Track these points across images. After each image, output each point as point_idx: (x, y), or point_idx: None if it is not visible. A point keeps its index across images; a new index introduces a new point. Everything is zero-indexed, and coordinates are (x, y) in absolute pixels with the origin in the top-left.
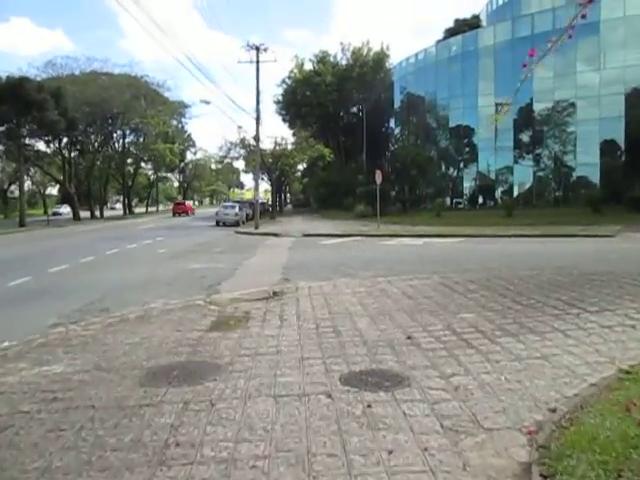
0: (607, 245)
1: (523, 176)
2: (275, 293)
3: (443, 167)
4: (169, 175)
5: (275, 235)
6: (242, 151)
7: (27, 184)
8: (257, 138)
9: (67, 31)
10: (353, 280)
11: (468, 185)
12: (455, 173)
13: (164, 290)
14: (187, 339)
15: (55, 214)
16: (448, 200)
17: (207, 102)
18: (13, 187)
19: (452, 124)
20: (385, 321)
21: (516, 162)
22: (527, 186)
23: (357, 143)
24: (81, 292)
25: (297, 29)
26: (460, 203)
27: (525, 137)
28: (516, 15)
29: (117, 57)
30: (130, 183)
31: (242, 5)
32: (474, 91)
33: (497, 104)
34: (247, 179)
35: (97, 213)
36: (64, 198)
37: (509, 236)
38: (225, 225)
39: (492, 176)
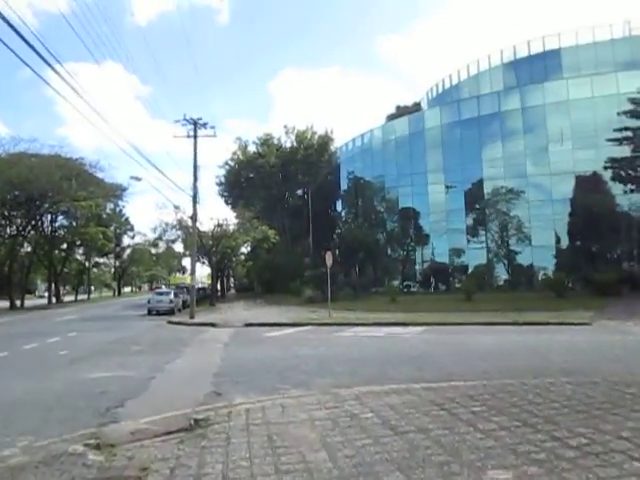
0: (593, 336)
1: (476, 258)
2: (197, 422)
3: (392, 250)
4: (104, 260)
5: (212, 325)
6: (180, 232)
7: None
8: (194, 217)
9: (4, 120)
10: (308, 395)
11: (419, 268)
12: (405, 255)
13: (38, 419)
14: None
15: None
16: (398, 283)
17: (138, 179)
18: None
19: (401, 205)
20: None
21: (468, 244)
22: (481, 269)
23: (303, 225)
24: None
25: (238, 118)
26: (412, 286)
27: (476, 219)
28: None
29: (53, 142)
30: (59, 269)
31: (182, 96)
32: (422, 172)
33: (447, 186)
34: (189, 263)
35: (18, 302)
36: None
37: (477, 324)
38: (159, 314)
39: (444, 259)
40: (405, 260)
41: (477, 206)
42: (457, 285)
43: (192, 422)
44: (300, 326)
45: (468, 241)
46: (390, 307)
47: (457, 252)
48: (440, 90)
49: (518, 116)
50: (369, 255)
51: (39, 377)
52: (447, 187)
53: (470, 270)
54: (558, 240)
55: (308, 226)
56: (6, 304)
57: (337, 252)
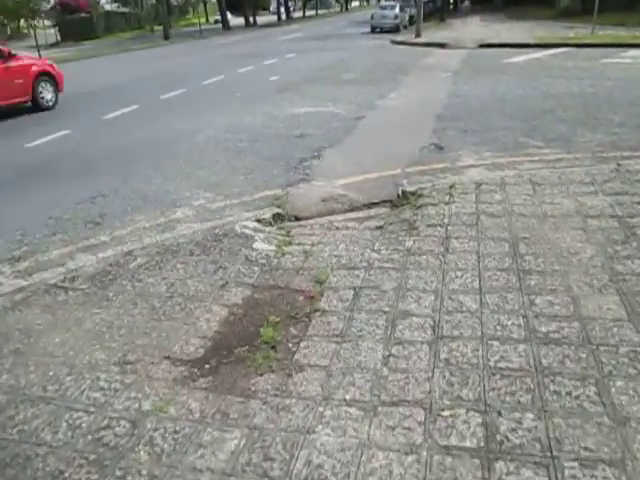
0: None
1: None
2: (406, 196)
3: None
4: None
5: (440, 46)
6: None
7: None
8: None
9: None
10: (572, 161)
11: None
12: None
13: (223, 169)
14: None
15: (217, 22)
16: None
17: None
18: None
19: None
20: None
21: None
22: None
23: None
24: (103, 166)
25: None
26: None
27: None
28: None
29: None
30: None
31: None
32: None
33: None
34: None
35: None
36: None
37: None
38: (382, 31)
39: None
40: None
41: None
42: None
43: (400, 194)
44: (552, 48)
45: None
46: None
47: None
48: None
49: None
50: None
51: (241, 110)
52: None
53: None
54: None
55: None
56: (241, 21)
57: None
